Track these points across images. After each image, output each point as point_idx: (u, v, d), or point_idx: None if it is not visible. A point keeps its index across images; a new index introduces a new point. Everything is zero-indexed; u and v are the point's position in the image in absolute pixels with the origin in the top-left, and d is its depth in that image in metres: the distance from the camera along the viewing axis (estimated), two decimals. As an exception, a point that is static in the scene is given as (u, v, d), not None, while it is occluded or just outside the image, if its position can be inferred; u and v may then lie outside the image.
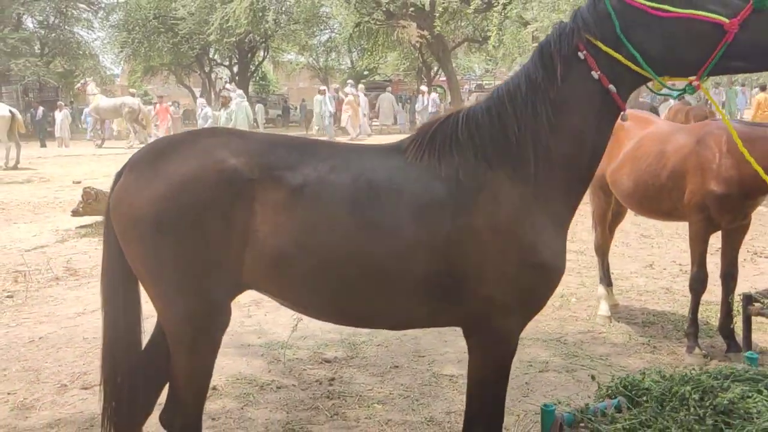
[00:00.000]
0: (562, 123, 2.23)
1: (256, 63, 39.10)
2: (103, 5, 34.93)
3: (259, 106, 27.11)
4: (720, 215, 4.13)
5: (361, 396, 4.06)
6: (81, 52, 34.22)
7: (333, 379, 4.32)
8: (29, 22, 33.10)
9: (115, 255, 2.44)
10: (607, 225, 5.29)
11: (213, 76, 40.37)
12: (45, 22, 33.62)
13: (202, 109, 20.29)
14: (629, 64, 2.16)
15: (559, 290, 6.04)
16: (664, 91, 2.31)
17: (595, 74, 2.19)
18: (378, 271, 2.26)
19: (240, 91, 20.33)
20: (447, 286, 2.26)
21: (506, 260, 2.23)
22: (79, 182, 13.45)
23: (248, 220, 2.25)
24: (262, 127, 25.09)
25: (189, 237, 2.24)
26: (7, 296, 6.22)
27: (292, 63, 40.96)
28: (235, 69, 37.05)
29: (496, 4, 20.90)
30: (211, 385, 4.03)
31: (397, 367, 4.49)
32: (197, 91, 38.40)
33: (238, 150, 2.31)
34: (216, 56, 38.16)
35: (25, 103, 25.43)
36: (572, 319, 5.40)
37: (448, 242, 2.22)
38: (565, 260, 2.37)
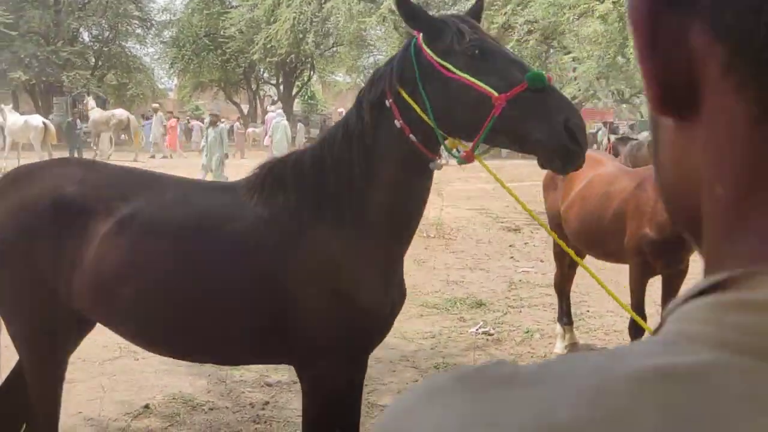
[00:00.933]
0: (376, 171, 2.22)
1: (302, 82, 39.81)
2: (155, 22, 36.25)
3: (299, 125, 27.53)
4: (655, 260, 4.08)
5: (288, 421, 4.11)
6: (134, 66, 35.42)
7: (267, 402, 4.38)
8: (85, 36, 34.58)
9: None
10: (565, 263, 5.25)
11: (260, 93, 41.28)
12: (100, 37, 35.01)
13: (272, 121, 19.66)
14: (422, 115, 2.14)
15: (526, 325, 6.17)
16: (479, 150, 2.26)
17: (398, 123, 2.17)
18: (197, 307, 2.32)
19: (279, 110, 20.44)
20: (268, 325, 2.30)
21: (323, 304, 2.26)
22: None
23: (77, 248, 2.34)
24: (301, 146, 25.36)
25: (20, 262, 2.37)
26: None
27: (339, 83, 41.50)
28: (281, 88, 37.81)
29: (534, 30, 20.86)
30: (145, 403, 4.27)
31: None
32: (245, 108, 39.30)
33: (78, 180, 2.42)
34: (264, 74, 39.07)
35: (74, 114, 26.68)
36: (528, 355, 5.35)
37: (267, 283, 2.27)
38: (385, 307, 2.37)
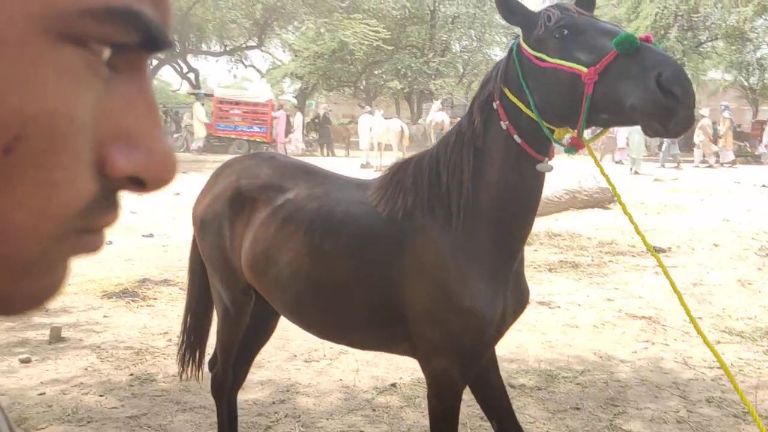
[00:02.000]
0: (485, 172, 2.24)
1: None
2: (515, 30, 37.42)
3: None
4: None
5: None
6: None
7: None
8: (456, 47, 37.45)
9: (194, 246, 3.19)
10: None
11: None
12: (467, 47, 37.57)
13: None
14: (526, 111, 2.12)
15: None
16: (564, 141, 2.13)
17: (503, 124, 2.17)
18: (322, 293, 2.49)
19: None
20: (385, 318, 2.39)
21: (432, 303, 2.30)
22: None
23: (244, 230, 2.72)
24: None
25: (213, 239, 2.86)
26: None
27: (715, 81, 37.77)
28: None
29: None
30: (392, 381, 4.56)
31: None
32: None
33: (253, 173, 2.81)
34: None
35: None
36: None
37: (383, 278, 2.36)
38: (494, 309, 2.30)
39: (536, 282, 7.44)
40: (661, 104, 1.75)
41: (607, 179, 2.29)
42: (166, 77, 45.50)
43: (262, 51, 34.95)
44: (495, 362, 2.66)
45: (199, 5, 25.08)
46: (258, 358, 4.86)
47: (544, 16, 2.06)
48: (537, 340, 5.54)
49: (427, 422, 4.01)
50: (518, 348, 5.34)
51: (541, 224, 10.96)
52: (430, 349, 2.35)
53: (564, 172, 20.08)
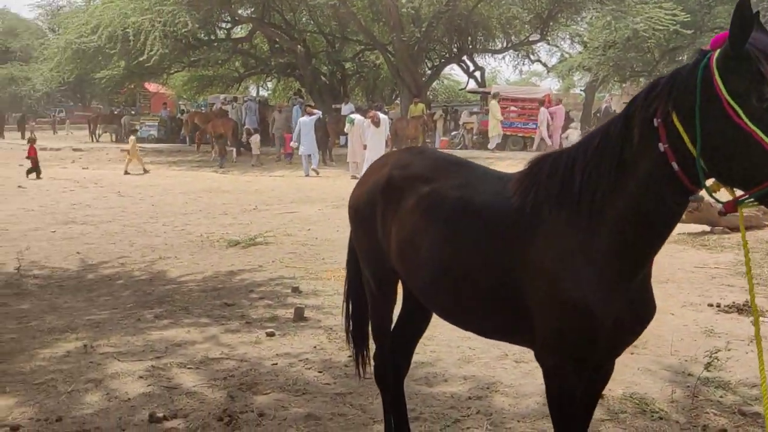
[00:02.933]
0: (625, 184, 2.15)
1: None
2: None
3: None
4: None
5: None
6: None
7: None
8: None
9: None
10: None
11: None
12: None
13: None
14: (690, 148, 1.98)
15: None
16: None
17: (662, 146, 2.04)
18: (454, 278, 2.55)
19: None
20: (508, 307, 2.41)
21: (547, 297, 2.29)
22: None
23: (393, 218, 2.86)
24: None
25: (365, 225, 3.07)
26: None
27: None
28: None
29: None
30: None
31: None
32: None
33: (404, 165, 2.95)
34: None
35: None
36: None
37: (508, 268, 2.37)
38: (607, 314, 2.22)
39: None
40: None
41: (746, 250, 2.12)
42: (456, 76, 47.28)
43: (548, 44, 34.52)
44: (604, 379, 2.56)
45: (484, 3, 25.64)
46: (468, 353, 5.03)
47: (755, 68, 1.87)
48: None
49: (628, 441, 3.78)
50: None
51: None
52: (543, 344, 2.37)
53: None
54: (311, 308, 6.09)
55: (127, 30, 22.07)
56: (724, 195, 2.07)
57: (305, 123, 19.24)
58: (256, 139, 22.41)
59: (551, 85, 47.93)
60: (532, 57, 36.86)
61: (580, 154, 2.26)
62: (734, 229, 9.34)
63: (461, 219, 2.58)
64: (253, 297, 6.54)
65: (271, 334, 5.38)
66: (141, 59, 23.08)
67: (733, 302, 6.27)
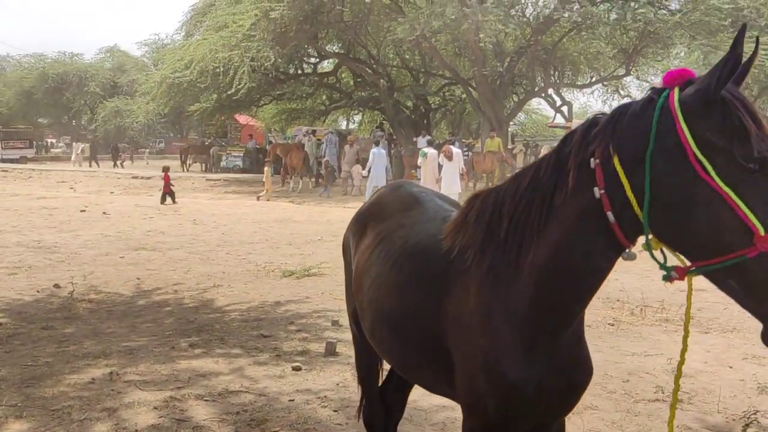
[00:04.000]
0: (551, 234, 1.88)
1: None
2: None
3: None
4: None
5: None
6: None
7: None
8: None
9: None
10: None
11: None
12: None
13: None
14: (632, 198, 1.70)
15: None
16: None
17: (597, 192, 1.76)
18: (389, 326, 2.44)
19: None
20: (438, 362, 2.22)
21: (464, 355, 2.09)
22: None
23: (356, 253, 2.83)
24: None
25: (345, 261, 3.10)
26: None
27: None
28: None
29: None
30: None
31: None
32: None
33: (375, 200, 2.94)
34: None
35: None
36: None
37: (434, 319, 2.20)
38: (528, 380, 1.99)
39: None
40: None
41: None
42: (544, 110, 46.59)
43: (638, 79, 33.48)
44: None
45: (568, 38, 25.23)
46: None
47: (736, 120, 1.60)
48: None
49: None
50: None
51: None
52: (463, 404, 2.17)
53: None
54: (346, 343, 6.00)
55: (217, 65, 23.07)
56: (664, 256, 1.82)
57: (377, 154, 19.39)
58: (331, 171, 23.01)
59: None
60: (621, 92, 35.85)
61: (509, 196, 2.01)
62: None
63: (398, 261, 2.46)
64: (291, 329, 6.54)
65: (297, 369, 5.33)
66: (230, 92, 24.06)
67: (802, 357, 5.72)
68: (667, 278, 1.73)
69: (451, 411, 4.54)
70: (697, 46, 22.35)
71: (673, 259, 1.79)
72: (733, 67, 1.60)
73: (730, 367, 5.55)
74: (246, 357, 5.62)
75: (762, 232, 1.50)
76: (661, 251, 1.77)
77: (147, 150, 49.71)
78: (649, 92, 1.77)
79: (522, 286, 1.96)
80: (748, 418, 4.03)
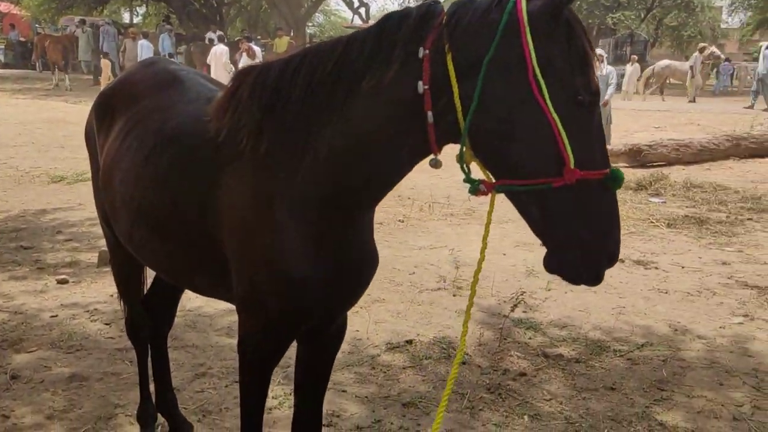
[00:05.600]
0: (354, 119, 1.67)
1: None
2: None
3: None
4: None
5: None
6: (695, 4, 33.33)
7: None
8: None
9: None
10: None
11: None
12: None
13: None
14: (457, 104, 1.54)
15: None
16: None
17: (421, 87, 1.56)
18: (148, 226, 2.12)
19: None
20: (206, 258, 1.99)
21: (241, 251, 1.86)
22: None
23: (104, 143, 2.41)
24: None
25: (90, 153, 2.66)
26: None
27: None
28: None
29: None
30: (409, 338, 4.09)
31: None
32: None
33: (124, 78, 2.53)
34: None
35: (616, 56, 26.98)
36: None
37: (200, 213, 1.93)
38: (313, 277, 1.82)
39: (645, 238, 6.49)
40: (600, 271, 1.58)
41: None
42: (344, 12, 46.17)
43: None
44: (337, 338, 2.20)
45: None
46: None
47: (580, 45, 1.52)
48: (607, 305, 4.75)
49: (424, 388, 3.58)
50: (579, 312, 4.61)
51: (682, 173, 9.64)
52: (239, 304, 1.96)
53: (725, 115, 17.70)
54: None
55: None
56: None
57: (144, 46, 18.21)
58: (106, 63, 20.62)
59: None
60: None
61: (304, 70, 1.72)
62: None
63: (155, 150, 2.10)
64: (59, 239, 5.87)
65: (63, 282, 4.79)
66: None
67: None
68: (474, 191, 1.62)
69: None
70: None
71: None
72: None
73: (504, 254, 5.93)
74: (0, 272, 4.93)
75: (572, 165, 1.47)
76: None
77: None
78: None
79: (312, 175, 1.73)
80: (517, 298, 4.30)
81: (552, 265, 1.58)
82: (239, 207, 1.82)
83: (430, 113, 1.57)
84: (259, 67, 1.86)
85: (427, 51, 1.56)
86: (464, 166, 1.63)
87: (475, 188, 1.60)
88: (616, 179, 1.54)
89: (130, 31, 21.56)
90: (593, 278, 1.58)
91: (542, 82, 1.47)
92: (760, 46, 21.57)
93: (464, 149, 1.59)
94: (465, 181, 1.63)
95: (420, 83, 1.56)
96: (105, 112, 2.46)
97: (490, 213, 1.74)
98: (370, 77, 1.63)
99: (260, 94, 1.78)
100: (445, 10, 1.61)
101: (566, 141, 1.47)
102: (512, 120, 1.50)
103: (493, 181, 1.59)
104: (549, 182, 1.49)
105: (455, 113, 1.55)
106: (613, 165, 1.60)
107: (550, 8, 1.48)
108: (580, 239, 1.53)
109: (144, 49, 17.80)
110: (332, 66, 1.68)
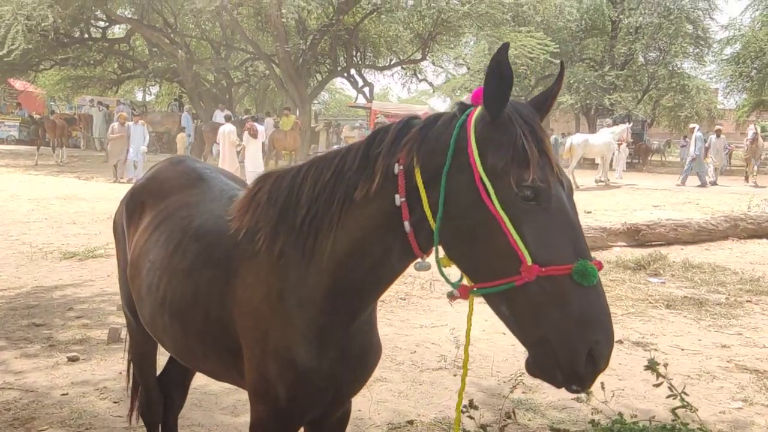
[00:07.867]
0: (349, 225, 1.85)
1: None
2: (712, 40, 34.35)
3: None
4: None
5: None
6: (689, 87, 34.18)
7: None
8: (640, 58, 34.82)
9: None
10: None
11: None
12: (654, 59, 34.77)
13: None
14: (428, 212, 1.69)
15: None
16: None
17: (398, 199, 1.74)
18: (170, 313, 2.26)
19: None
20: (223, 349, 2.14)
21: (253, 341, 2.01)
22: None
23: (133, 234, 2.61)
24: None
25: (118, 243, 2.86)
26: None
27: None
28: None
29: None
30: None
31: None
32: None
33: (153, 175, 2.75)
34: None
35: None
36: None
37: (219, 304, 2.10)
38: (318, 367, 1.96)
39: (644, 319, 6.58)
40: (577, 372, 1.49)
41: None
42: (348, 90, 47.47)
43: (434, 65, 35.22)
44: (343, 421, 2.34)
45: (368, 20, 25.81)
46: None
47: (520, 145, 1.59)
48: (606, 387, 4.81)
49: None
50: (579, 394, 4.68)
51: (681, 253, 9.78)
52: (251, 390, 2.08)
53: (725, 195, 17.99)
54: (129, 329, 5.63)
55: (-16, 20, 20.52)
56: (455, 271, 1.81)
57: (133, 129, 18.82)
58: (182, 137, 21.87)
59: (442, 104, 48.92)
60: (419, 76, 37.49)
61: (309, 183, 1.93)
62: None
63: (181, 244, 2.29)
64: (70, 316, 5.99)
65: (73, 359, 4.88)
66: (1, 53, 21.48)
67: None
68: (451, 295, 1.72)
69: (242, 393, 4.38)
70: (483, 36, 23.98)
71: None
72: (500, 84, 1.59)
73: (504, 334, 5.99)
74: (12, 349, 5.04)
75: (529, 261, 1.51)
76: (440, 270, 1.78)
77: None
78: (455, 108, 1.75)
79: (317, 274, 1.90)
80: (516, 379, 4.39)
81: (529, 366, 1.59)
82: (254, 300, 1.99)
83: (407, 223, 1.73)
84: (276, 173, 2.08)
85: (401, 167, 1.74)
86: (441, 270, 1.74)
87: (452, 293, 1.71)
88: (585, 274, 1.50)
89: (120, 116, 21.50)
90: (571, 379, 1.51)
91: (488, 184, 1.57)
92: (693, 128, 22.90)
93: (439, 255, 1.72)
94: (446, 283, 1.75)
95: (397, 196, 1.73)
96: (135, 206, 2.66)
97: (470, 316, 1.91)
98: (360, 187, 1.81)
99: (276, 198, 1.98)
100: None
101: (517, 238, 1.52)
102: (471, 223, 1.61)
103: (470, 284, 1.69)
104: (511, 281, 1.52)
105: (429, 221, 1.70)
106: (595, 256, 1.58)
107: (486, 112, 1.63)
108: (551, 338, 1.50)
109: (133, 132, 18.61)
110: (330, 175, 1.89)
